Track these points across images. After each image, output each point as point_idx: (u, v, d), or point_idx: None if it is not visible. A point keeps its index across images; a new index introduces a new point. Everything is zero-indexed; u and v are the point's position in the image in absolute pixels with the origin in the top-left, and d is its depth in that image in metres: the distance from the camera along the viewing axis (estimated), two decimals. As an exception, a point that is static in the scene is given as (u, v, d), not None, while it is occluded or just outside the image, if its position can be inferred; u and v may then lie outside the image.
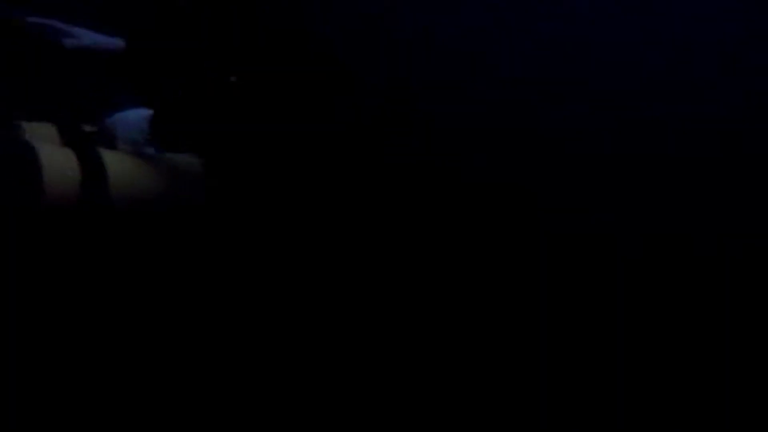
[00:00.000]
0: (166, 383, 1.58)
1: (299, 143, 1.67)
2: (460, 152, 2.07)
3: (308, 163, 1.69)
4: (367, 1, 2.08)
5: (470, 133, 2.21)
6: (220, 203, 1.65)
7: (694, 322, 2.13)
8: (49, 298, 1.50)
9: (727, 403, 1.92)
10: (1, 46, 2.09)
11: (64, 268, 1.50)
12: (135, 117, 1.61)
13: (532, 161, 2.40)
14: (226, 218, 1.65)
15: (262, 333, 1.67)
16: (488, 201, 2.06)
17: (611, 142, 2.45)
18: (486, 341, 1.94)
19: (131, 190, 1.55)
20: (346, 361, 1.75)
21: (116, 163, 1.56)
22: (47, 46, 1.79)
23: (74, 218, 1.47)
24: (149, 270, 1.59)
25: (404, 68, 2.19)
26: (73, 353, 1.52)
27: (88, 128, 1.83)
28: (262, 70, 1.64)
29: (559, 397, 1.89)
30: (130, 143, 1.61)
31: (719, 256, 2.25)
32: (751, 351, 2.06)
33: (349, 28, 1.86)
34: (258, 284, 1.67)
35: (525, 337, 2.00)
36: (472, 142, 2.19)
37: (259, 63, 1.65)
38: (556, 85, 2.47)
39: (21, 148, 1.54)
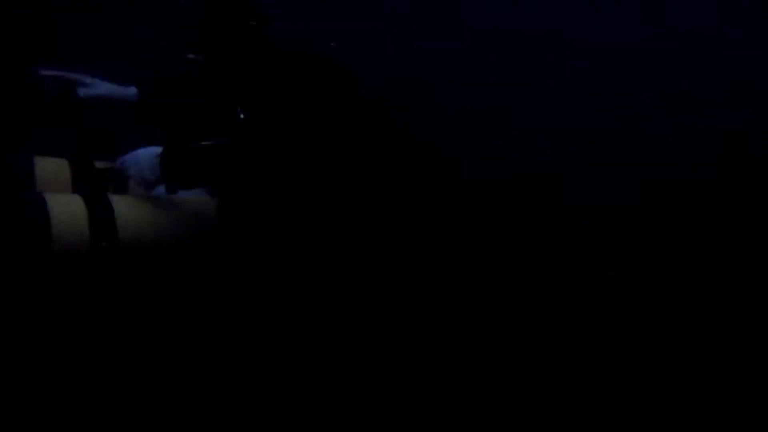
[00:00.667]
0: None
1: (314, 176, 1.61)
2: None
3: (324, 196, 1.63)
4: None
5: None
6: (234, 245, 1.59)
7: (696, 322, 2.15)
8: (59, 349, 1.46)
9: (728, 404, 1.89)
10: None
11: (74, 318, 1.45)
12: (146, 156, 1.56)
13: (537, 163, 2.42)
14: (241, 260, 1.59)
15: (280, 378, 1.61)
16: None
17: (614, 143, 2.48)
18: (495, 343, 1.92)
19: (141, 236, 1.50)
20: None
21: (126, 208, 1.51)
22: (62, 96, 1.78)
23: (84, 266, 1.42)
24: (161, 316, 1.54)
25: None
26: (86, 405, 1.47)
27: (100, 165, 1.80)
28: (272, 108, 1.59)
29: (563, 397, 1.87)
30: (142, 182, 1.56)
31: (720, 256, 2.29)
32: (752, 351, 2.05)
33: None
34: (274, 327, 1.61)
35: (531, 338, 1.99)
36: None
37: (269, 101, 1.60)
38: (559, 89, 2.50)
39: (30, 196, 1.50)
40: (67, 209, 1.44)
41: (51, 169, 1.75)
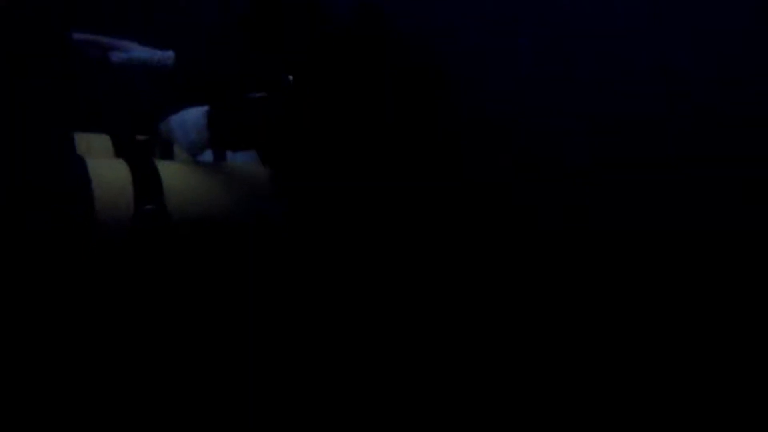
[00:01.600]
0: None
1: (368, 142, 1.47)
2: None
3: (379, 163, 1.48)
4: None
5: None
6: (288, 214, 1.45)
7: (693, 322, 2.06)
8: (100, 318, 1.33)
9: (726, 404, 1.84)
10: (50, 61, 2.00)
11: (117, 287, 1.32)
12: (192, 117, 1.43)
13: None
14: (295, 230, 1.45)
15: (337, 355, 1.47)
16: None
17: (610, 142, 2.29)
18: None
19: (189, 202, 1.36)
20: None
21: (172, 173, 1.38)
22: (94, 62, 1.65)
23: (128, 234, 1.29)
24: (210, 287, 1.40)
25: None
26: (131, 376, 1.35)
27: (142, 137, 1.68)
28: (320, 68, 1.46)
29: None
30: (190, 146, 1.43)
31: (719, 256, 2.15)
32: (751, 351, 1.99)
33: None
34: (333, 304, 1.47)
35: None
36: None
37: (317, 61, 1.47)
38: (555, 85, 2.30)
39: (69, 161, 1.37)
40: (109, 171, 1.32)
41: (92, 144, 1.64)
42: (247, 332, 1.48)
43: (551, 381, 1.80)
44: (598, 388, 1.85)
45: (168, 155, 1.56)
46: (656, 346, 2.00)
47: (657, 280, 2.27)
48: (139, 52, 1.66)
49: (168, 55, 1.68)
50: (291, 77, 1.56)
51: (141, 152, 1.54)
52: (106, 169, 1.33)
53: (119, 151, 1.59)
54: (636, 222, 2.38)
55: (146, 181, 1.32)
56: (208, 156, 1.54)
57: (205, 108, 1.42)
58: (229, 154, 1.60)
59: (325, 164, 1.48)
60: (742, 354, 1.99)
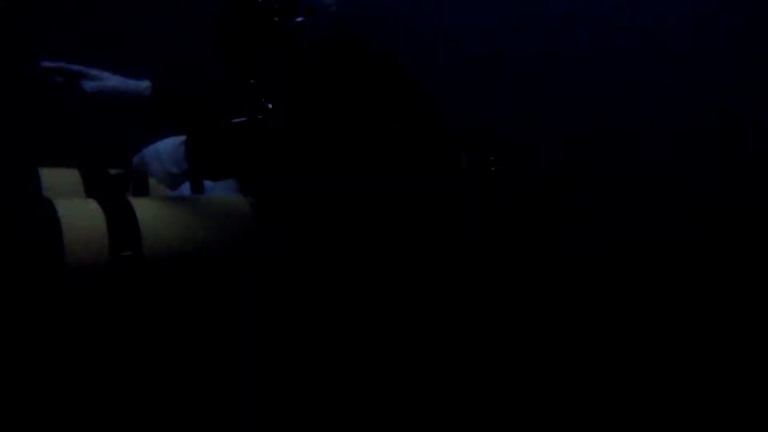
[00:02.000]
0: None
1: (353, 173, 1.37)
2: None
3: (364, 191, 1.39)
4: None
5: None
6: (271, 250, 1.36)
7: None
8: (76, 369, 1.23)
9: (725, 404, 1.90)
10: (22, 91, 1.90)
11: (91, 336, 1.21)
12: (168, 147, 1.33)
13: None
14: (279, 268, 1.36)
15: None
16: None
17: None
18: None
19: (170, 241, 1.26)
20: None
21: (149, 210, 1.27)
22: (65, 90, 1.55)
23: (102, 279, 1.19)
24: (196, 331, 1.30)
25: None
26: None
27: (114, 171, 1.57)
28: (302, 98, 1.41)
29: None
30: (166, 177, 1.33)
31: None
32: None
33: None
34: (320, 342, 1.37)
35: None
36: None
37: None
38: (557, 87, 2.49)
39: (36, 204, 1.27)
40: (80, 215, 1.21)
41: (59, 179, 1.53)
42: (239, 372, 1.39)
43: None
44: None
45: (143, 190, 1.46)
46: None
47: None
48: (113, 80, 1.58)
49: (145, 85, 1.60)
50: (270, 103, 1.49)
51: (114, 189, 1.43)
52: (77, 210, 1.22)
53: (90, 189, 1.48)
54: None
55: (121, 223, 1.22)
56: (185, 188, 1.43)
57: (181, 137, 1.31)
58: (207, 184, 1.50)
59: (309, 188, 1.40)
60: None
